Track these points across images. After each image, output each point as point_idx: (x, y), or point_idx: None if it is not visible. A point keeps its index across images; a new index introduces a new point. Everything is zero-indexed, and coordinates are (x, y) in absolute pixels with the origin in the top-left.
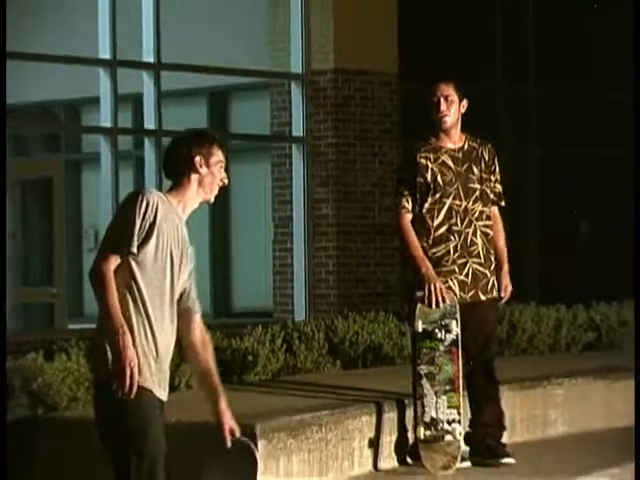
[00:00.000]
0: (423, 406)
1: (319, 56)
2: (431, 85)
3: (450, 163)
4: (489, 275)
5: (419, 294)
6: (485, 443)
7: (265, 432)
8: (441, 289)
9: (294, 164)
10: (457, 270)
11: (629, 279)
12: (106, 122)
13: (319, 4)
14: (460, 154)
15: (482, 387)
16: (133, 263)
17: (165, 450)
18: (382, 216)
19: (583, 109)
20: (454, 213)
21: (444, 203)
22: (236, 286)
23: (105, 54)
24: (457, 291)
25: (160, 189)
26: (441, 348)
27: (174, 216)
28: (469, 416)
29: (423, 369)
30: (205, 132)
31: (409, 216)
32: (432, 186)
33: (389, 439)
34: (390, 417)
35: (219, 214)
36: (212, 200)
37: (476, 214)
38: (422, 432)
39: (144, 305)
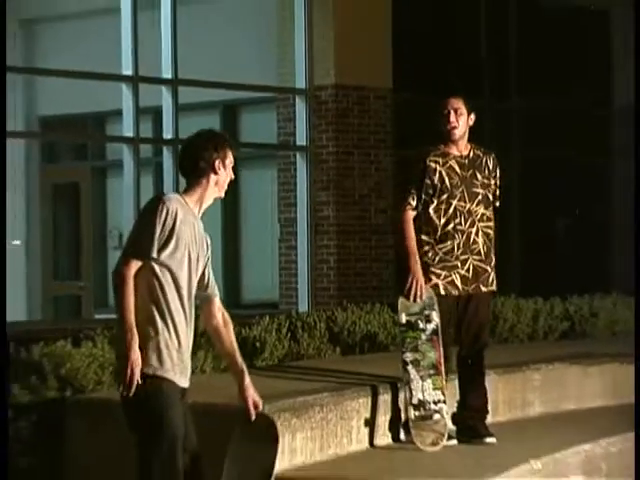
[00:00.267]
0: (410, 390)
1: (321, 73)
2: (441, 100)
3: (457, 168)
4: (489, 270)
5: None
6: (470, 424)
7: (271, 412)
8: (421, 285)
9: (298, 170)
10: (460, 265)
11: (600, 274)
12: (128, 132)
13: (321, 27)
14: (466, 161)
15: (470, 374)
16: (154, 264)
17: (183, 434)
18: (378, 217)
19: (561, 118)
20: (459, 214)
21: (450, 204)
22: (246, 280)
23: (128, 71)
24: (459, 284)
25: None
26: (423, 337)
27: (190, 216)
28: (457, 398)
29: (408, 357)
30: (219, 135)
31: (412, 213)
32: (440, 188)
33: (383, 418)
34: (384, 399)
35: (230, 215)
36: (223, 195)
37: (478, 215)
38: (412, 413)
39: (166, 302)
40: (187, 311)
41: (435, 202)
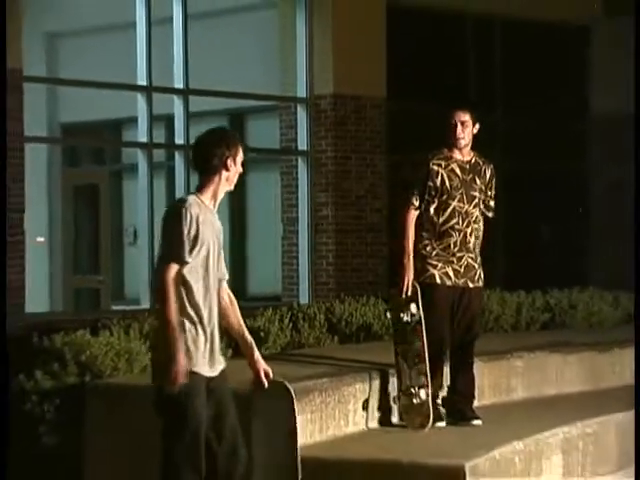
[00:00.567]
0: (400, 378)
1: (320, 83)
2: (431, 109)
3: (458, 171)
4: (477, 267)
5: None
6: (458, 407)
7: None
8: (409, 282)
9: (299, 173)
10: (455, 261)
11: (578, 270)
12: (143, 138)
13: (321, 41)
14: (467, 166)
15: (461, 362)
16: (183, 266)
17: (205, 421)
18: (373, 217)
19: (542, 129)
20: (457, 214)
21: (449, 204)
22: (251, 275)
23: (142, 81)
24: (452, 276)
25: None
26: (408, 328)
27: (208, 214)
28: (448, 383)
29: (399, 347)
30: (230, 134)
31: (415, 212)
32: (441, 189)
33: (378, 402)
34: (378, 384)
35: (237, 215)
36: (233, 188)
37: (474, 217)
38: (401, 398)
39: (192, 300)
40: (212, 302)
41: (436, 202)
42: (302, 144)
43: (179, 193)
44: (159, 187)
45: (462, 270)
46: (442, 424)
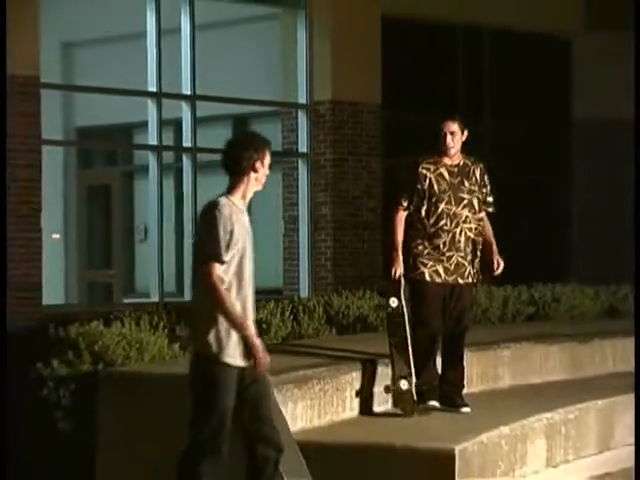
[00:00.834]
0: (393, 368)
1: (320, 90)
2: (424, 115)
3: (446, 175)
4: (467, 265)
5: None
6: (449, 395)
7: (276, 384)
8: (397, 275)
9: (300, 174)
10: (445, 260)
11: (561, 266)
12: (153, 141)
13: (320, 51)
14: (456, 169)
15: (451, 353)
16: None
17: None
18: (368, 215)
19: (528, 135)
20: (445, 215)
21: (438, 207)
22: (254, 270)
23: (152, 88)
24: (442, 273)
25: (195, 194)
26: (394, 321)
27: (240, 214)
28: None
29: (392, 339)
30: (259, 138)
31: (403, 213)
32: (429, 192)
33: (373, 390)
34: (373, 373)
35: None
36: (261, 188)
37: (463, 218)
38: (390, 387)
39: (242, 288)
40: (247, 297)
41: (425, 204)
42: (302, 147)
43: (187, 193)
44: (168, 187)
45: (452, 268)
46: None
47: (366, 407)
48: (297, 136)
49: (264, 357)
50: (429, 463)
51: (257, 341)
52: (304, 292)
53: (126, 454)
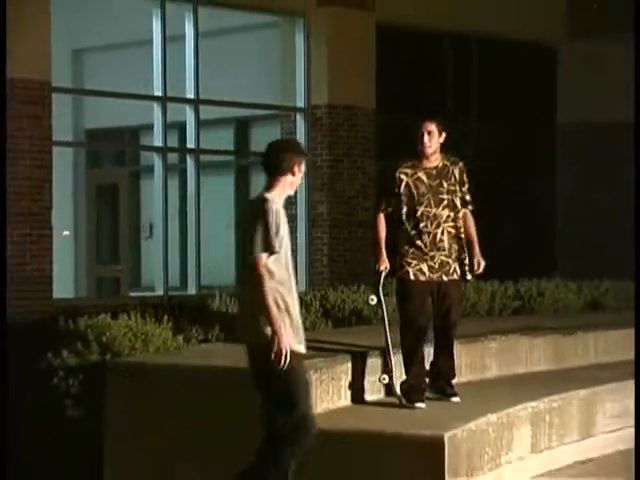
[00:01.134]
0: (385, 359)
1: (317, 94)
2: (408, 118)
3: (424, 178)
4: (451, 263)
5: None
6: (439, 385)
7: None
8: (380, 269)
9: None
10: (428, 259)
11: (546, 262)
12: (158, 142)
13: (317, 58)
14: (434, 171)
15: (441, 345)
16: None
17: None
18: (363, 214)
19: (513, 139)
20: (425, 218)
21: (417, 210)
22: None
23: (158, 92)
24: (426, 272)
25: (198, 193)
26: (380, 314)
27: (282, 211)
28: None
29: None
30: (299, 145)
31: (383, 214)
32: (408, 196)
33: (367, 380)
34: (368, 363)
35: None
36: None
37: (444, 218)
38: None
39: (281, 284)
40: (293, 287)
41: (405, 208)
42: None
43: (190, 192)
44: (173, 187)
45: (436, 266)
46: (421, 405)
47: (360, 396)
48: (295, 138)
49: (283, 357)
50: (420, 449)
51: (284, 342)
52: (302, 286)
53: (132, 440)
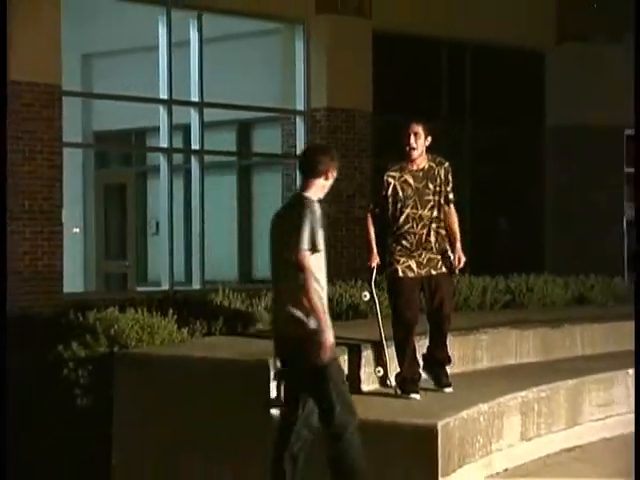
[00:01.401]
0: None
1: (316, 98)
2: (403, 120)
3: (411, 181)
4: (439, 258)
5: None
6: (435, 373)
7: (275, 366)
8: (372, 267)
9: (298, 175)
10: (416, 257)
11: (534, 259)
12: (164, 144)
13: (317, 63)
14: (420, 174)
15: (435, 337)
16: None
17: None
18: (360, 212)
19: (504, 140)
20: (411, 219)
21: (403, 211)
22: (256, 261)
23: (164, 95)
24: (415, 268)
25: (202, 192)
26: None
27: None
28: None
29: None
30: (333, 151)
31: (371, 215)
32: (395, 198)
33: (363, 371)
34: (364, 356)
35: (245, 209)
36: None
37: (430, 219)
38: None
39: (318, 280)
40: (325, 287)
41: (391, 209)
42: (300, 150)
43: (195, 191)
44: (178, 186)
45: (424, 262)
46: (416, 396)
47: (356, 387)
48: (295, 140)
49: (329, 350)
50: (414, 437)
51: (329, 334)
52: (301, 281)
53: (139, 427)
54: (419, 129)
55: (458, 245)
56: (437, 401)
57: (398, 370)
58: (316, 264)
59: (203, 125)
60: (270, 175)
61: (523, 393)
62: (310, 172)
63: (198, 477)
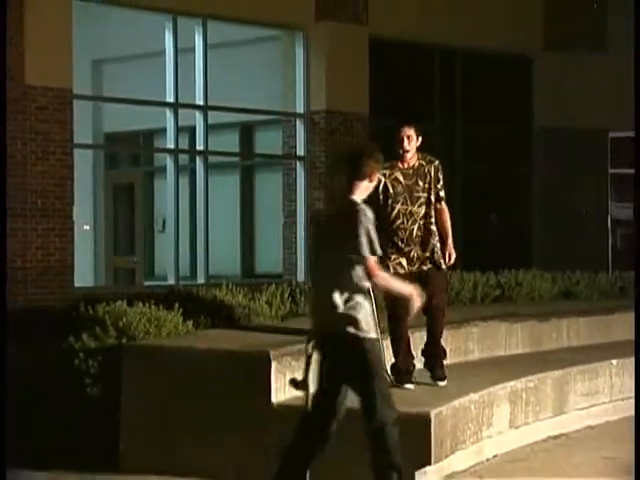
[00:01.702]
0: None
1: (315, 101)
2: (396, 122)
3: (401, 178)
4: (428, 254)
5: None
6: (430, 365)
7: (276, 356)
8: None
9: (298, 174)
10: (406, 253)
11: (523, 255)
12: (170, 145)
13: (316, 68)
14: (410, 171)
15: (431, 330)
16: None
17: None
18: None
19: (494, 141)
20: (402, 215)
21: (394, 208)
22: (257, 257)
23: (170, 98)
24: (405, 265)
25: (206, 191)
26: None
27: None
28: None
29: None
30: (378, 153)
31: None
32: (384, 195)
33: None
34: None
35: (248, 207)
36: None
37: (421, 215)
38: None
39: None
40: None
41: (382, 206)
42: (300, 150)
43: (200, 190)
44: (183, 185)
45: (414, 259)
46: (410, 386)
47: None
48: (295, 141)
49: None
50: (409, 425)
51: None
52: (301, 276)
53: (146, 415)
54: (411, 132)
55: (449, 242)
56: (430, 391)
57: (393, 361)
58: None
59: (207, 127)
60: (271, 175)
61: (512, 383)
62: (356, 175)
63: (202, 463)
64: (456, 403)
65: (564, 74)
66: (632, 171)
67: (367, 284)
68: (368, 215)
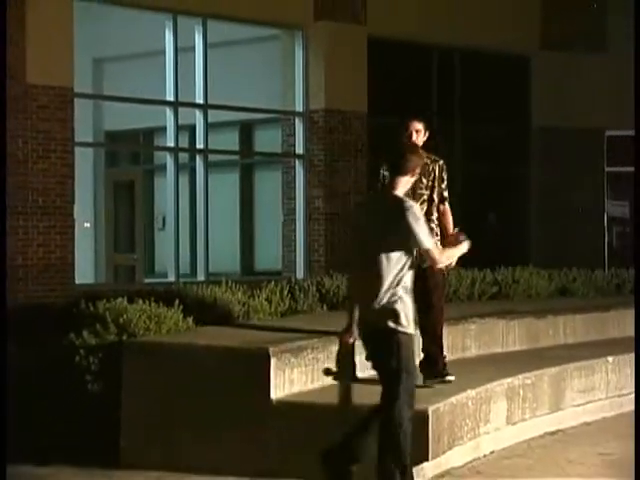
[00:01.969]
0: None
1: (314, 100)
2: (400, 120)
3: None
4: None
5: None
6: (428, 366)
7: (275, 353)
8: None
9: (297, 172)
10: None
11: (520, 252)
12: (170, 143)
13: (315, 68)
14: None
15: (425, 328)
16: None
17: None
18: None
19: (492, 140)
20: None
21: None
22: (257, 254)
23: (170, 97)
24: None
25: (206, 189)
26: None
27: None
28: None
29: None
30: (419, 148)
31: None
32: None
33: (357, 359)
34: (358, 344)
35: (247, 205)
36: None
37: (422, 212)
38: None
39: (408, 276)
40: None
41: None
42: (299, 149)
43: (199, 189)
44: (183, 183)
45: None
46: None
47: (352, 374)
48: (295, 139)
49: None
50: None
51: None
52: (300, 274)
53: (147, 411)
54: (420, 126)
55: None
56: (428, 387)
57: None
58: (412, 259)
59: (207, 125)
60: (270, 173)
61: (509, 379)
62: (400, 170)
63: (202, 459)
64: (453, 399)
65: (562, 74)
66: (628, 169)
67: (409, 280)
68: (418, 209)
